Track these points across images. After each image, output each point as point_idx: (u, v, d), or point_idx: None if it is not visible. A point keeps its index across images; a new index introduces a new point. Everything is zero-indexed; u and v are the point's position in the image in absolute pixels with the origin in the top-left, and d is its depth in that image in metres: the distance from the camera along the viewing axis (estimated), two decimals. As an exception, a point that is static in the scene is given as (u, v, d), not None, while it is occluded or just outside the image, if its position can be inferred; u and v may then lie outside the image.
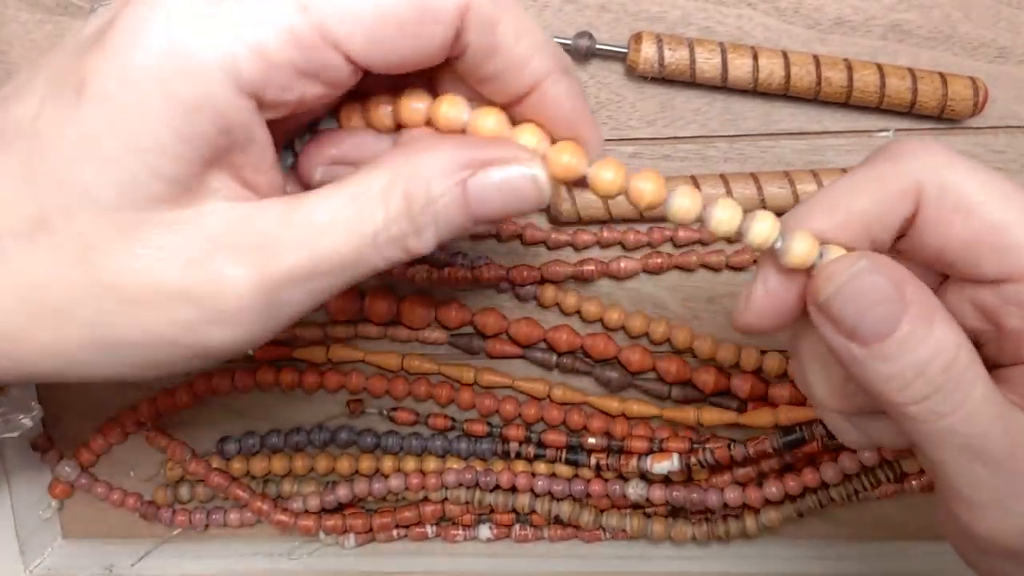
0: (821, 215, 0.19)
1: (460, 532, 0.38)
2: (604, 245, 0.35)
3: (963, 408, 0.17)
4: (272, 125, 0.19)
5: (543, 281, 0.36)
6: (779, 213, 0.20)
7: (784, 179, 0.33)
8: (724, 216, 0.19)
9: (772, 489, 0.36)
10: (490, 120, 0.19)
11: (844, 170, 0.34)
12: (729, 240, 0.35)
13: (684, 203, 0.19)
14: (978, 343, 0.20)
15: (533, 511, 0.38)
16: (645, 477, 0.37)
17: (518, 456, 0.37)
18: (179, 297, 0.18)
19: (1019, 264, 0.18)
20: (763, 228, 0.19)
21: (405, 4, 0.17)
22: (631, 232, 0.35)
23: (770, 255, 0.19)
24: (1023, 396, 0.19)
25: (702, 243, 0.35)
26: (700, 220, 0.19)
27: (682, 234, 0.35)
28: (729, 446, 0.35)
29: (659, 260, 0.35)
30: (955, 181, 0.18)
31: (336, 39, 0.17)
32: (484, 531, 0.38)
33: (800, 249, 0.18)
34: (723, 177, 0.33)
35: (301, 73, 0.17)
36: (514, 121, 0.20)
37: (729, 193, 0.33)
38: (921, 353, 0.17)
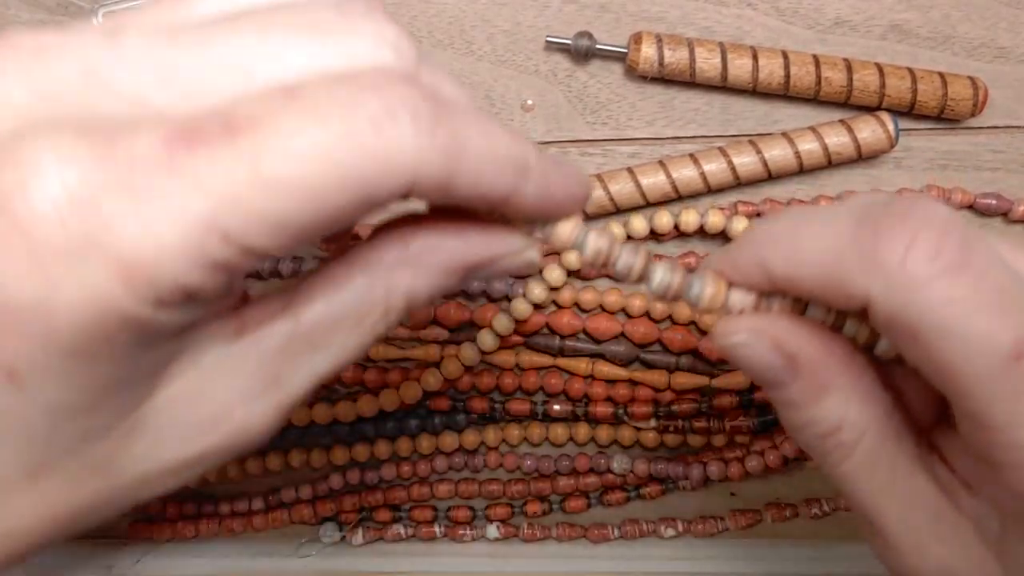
0: (776, 255, 0.18)
1: (468, 531, 0.38)
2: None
3: (838, 469, 0.19)
4: None
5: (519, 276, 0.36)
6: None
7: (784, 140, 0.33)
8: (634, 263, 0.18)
9: (753, 463, 0.36)
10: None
11: (842, 121, 0.33)
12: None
13: (664, 277, 0.18)
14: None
15: (528, 496, 0.38)
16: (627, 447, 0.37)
17: (485, 419, 0.37)
18: (212, 454, 0.17)
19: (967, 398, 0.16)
20: (664, 275, 0.18)
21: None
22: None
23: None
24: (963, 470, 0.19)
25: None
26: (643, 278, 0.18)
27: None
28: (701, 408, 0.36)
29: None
30: (911, 313, 0.15)
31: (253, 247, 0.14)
32: (492, 530, 0.38)
33: (710, 294, 0.18)
34: (722, 150, 0.33)
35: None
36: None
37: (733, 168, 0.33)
38: (803, 416, 0.18)
